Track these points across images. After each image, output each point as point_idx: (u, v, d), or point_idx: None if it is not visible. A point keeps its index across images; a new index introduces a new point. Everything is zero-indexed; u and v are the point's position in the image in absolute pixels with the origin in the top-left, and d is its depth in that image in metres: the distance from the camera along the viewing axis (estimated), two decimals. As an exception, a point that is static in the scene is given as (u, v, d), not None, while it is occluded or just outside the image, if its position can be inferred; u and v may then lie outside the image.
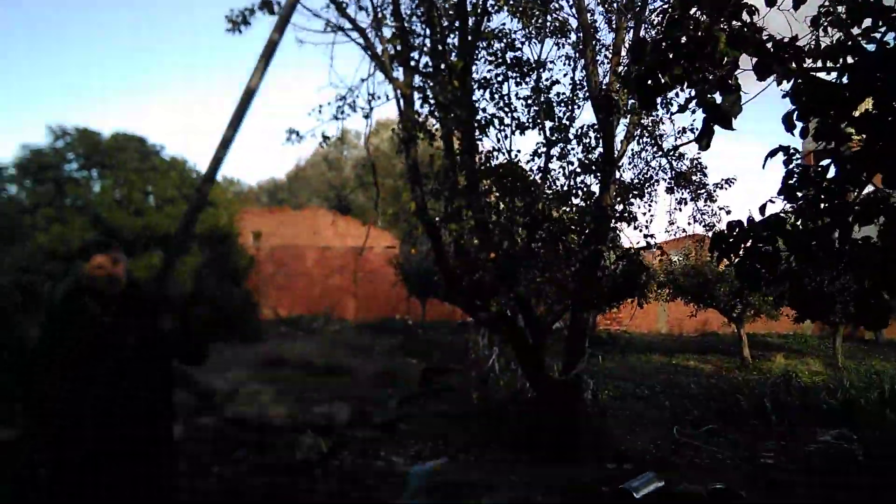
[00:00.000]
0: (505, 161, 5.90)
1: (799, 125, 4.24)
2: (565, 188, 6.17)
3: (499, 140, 5.88)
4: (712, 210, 7.64)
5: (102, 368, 2.85)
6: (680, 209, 7.32)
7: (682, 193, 7.59)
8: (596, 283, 5.98)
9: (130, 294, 3.08)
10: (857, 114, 3.91)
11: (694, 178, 7.38)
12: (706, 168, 7.08)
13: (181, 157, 17.86)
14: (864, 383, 11.47)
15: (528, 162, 6.04)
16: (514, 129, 5.89)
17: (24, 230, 14.53)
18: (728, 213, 7.71)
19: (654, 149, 7.08)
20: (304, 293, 22.59)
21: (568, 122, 6.05)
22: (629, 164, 7.31)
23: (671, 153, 7.12)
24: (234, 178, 43.15)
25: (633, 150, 7.24)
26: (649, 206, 6.81)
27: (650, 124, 6.86)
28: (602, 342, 17.79)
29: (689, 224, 7.88)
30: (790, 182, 4.04)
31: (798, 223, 4.06)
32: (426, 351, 16.12)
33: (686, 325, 22.46)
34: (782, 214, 4.11)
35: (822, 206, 3.84)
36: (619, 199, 6.53)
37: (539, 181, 6.05)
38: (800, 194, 4.02)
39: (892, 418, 9.49)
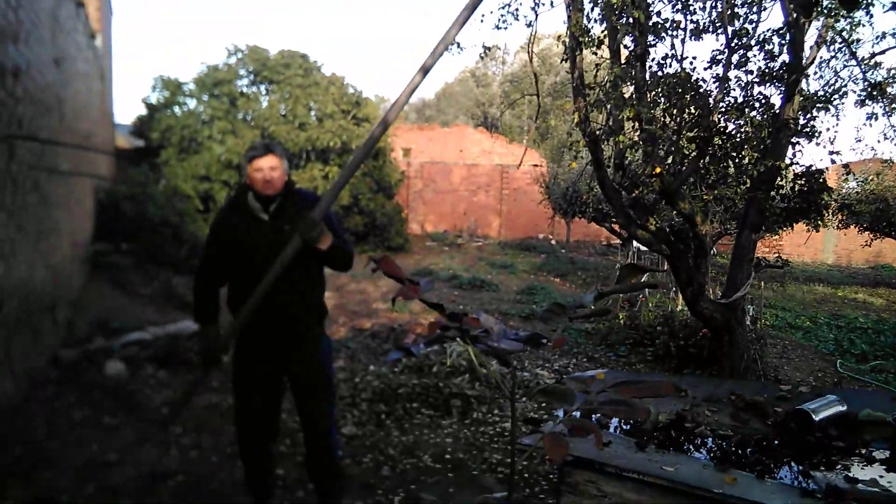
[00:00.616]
0: (679, 70, 5.56)
1: None
2: (741, 100, 5.75)
3: (673, 46, 5.55)
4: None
5: (263, 264, 3.02)
6: (870, 125, 6.59)
7: (874, 107, 6.82)
8: (769, 203, 5.62)
9: (289, 196, 3.23)
10: None
11: (889, 89, 6.59)
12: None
13: (339, 74, 18.47)
14: None
15: (706, 69, 5.64)
16: (690, 33, 5.50)
17: (202, 142, 15.84)
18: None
19: (847, 56, 6.36)
20: (449, 209, 23.09)
21: (751, 27, 5.57)
22: (815, 74, 6.66)
23: (866, 61, 6.37)
24: (384, 95, 44.07)
25: (821, 57, 6.56)
26: (836, 119, 6.17)
27: (847, 27, 6.15)
28: (761, 268, 16.83)
29: (878, 142, 7.12)
30: None
31: None
32: (569, 271, 16.10)
33: (855, 257, 20.69)
34: None
35: None
36: (802, 111, 6.00)
37: (714, 92, 5.67)
38: None
39: None
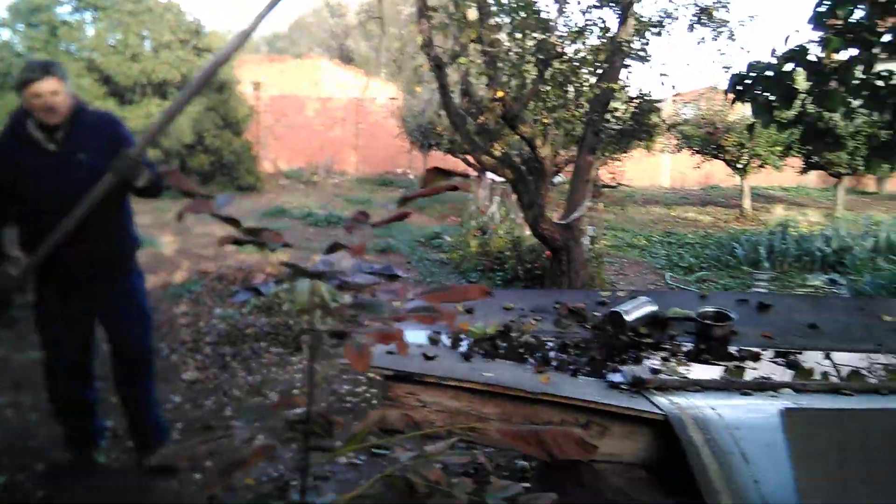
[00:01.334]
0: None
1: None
2: (581, 24, 5.88)
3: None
4: (732, 51, 7.30)
5: (56, 199, 2.76)
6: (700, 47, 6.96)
7: (703, 32, 7.21)
8: (604, 124, 5.87)
9: (77, 121, 2.92)
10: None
11: (716, 13, 6.96)
12: (729, 2, 6.68)
13: (175, 0, 16.93)
14: (860, 233, 11.63)
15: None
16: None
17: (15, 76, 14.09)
18: (748, 53, 7.41)
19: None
20: (303, 145, 22.32)
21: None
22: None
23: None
24: (231, 27, 41.21)
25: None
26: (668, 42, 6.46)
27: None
28: (596, 190, 17.87)
29: (707, 66, 7.56)
30: (820, 9, 3.84)
31: (821, 54, 3.91)
32: (427, 205, 16.22)
33: (689, 179, 22.39)
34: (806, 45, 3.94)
35: (849, 35, 3.68)
36: (637, 35, 6.23)
37: (553, 16, 5.74)
38: (828, 22, 3.83)
39: (882, 266, 9.73)
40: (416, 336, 2.71)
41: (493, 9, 5.33)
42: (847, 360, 2.44)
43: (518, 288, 7.89)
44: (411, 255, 10.21)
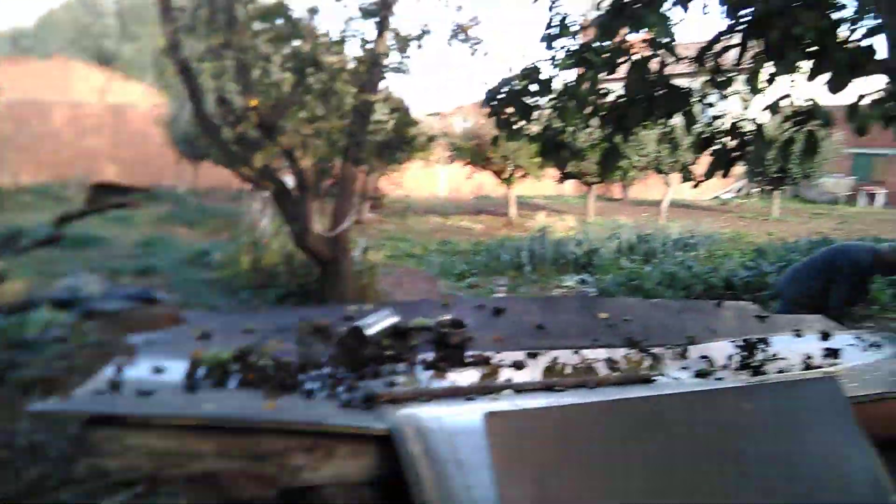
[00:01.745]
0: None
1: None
2: (340, 33, 5.83)
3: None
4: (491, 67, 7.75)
5: None
6: (458, 66, 7.31)
7: (462, 48, 7.54)
8: (365, 136, 5.88)
9: None
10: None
11: (471, 32, 7.32)
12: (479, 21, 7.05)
13: None
14: (606, 236, 13.05)
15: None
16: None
17: None
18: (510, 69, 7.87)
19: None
20: (51, 157, 19.86)
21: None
22: (412, 13, 7.13)
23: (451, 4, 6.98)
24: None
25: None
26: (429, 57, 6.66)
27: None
28: (384, 205, 18.20)
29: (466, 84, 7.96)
30: (550, 31, 4.15)
31: (555, 73, 4.22)
32: (198, 219, 15.25)
33: (464, 189, 23.59)
34: (538, 64, 4.23)
35: (579, 56, 4.03)
36: (398, 49, 6.34)
37: (310, 25, 5.62)
38: (557, 43, 4.16)
39: (624, 265, 10.98)
40: (139, 370, 2.44)
41: (242, 13, 5.09)
42: (566, 356, 2.63)
43: (293, 304, 7.65)
44: (175, 276, 9.46)
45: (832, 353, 2.66)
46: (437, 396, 2.26)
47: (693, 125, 3.78)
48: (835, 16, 3.14)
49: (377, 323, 2.77)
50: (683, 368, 2.45)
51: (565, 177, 18.44)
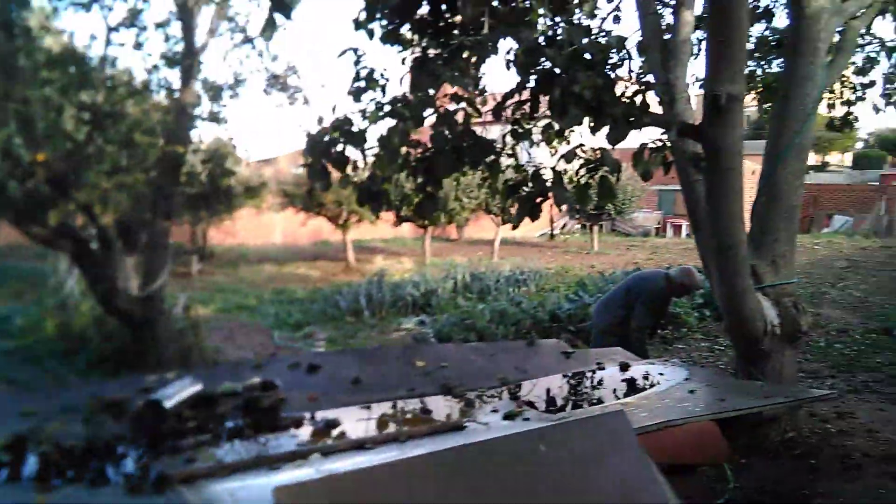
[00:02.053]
0: (64, 46, 4.99)
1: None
2: (142, 82, 5.54)
3: (48, 17, 4.92)
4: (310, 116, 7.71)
5: None
6: (278, 113, 7.21)
7: (279, 97, 7.48)
8: (175, 188, 5.59)
9: None
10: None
11: (289, 80, 7.30)
12: (297, 70, 7.06)
13: None
14: (442, 276, 13.36)
15: (88, 48, 5.20)
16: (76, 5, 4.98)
17: None
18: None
19: (246, 44, 6.78)
20: None
21: (146, 5, 5.37)
22: (223, 60, 6.95)
23: (262, 53, 6.92)
24: None
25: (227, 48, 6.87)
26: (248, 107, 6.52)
27: (241, 15, 6.53)
28: (212, 255, 17.37)
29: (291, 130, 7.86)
30: (357, 83, 4.20)
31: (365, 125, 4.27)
32: (-3, 280, 13.62)
33: (300, 235, 23.14)
34: (350, 116, 4.27)
35: (386, 108, 4.10)
36: (212, 98, 6.15)
37: (107, 72, 5.29)
38: (365, 96, 4.22)
39: (461, 304, 11.26)
40: None
41: (28, 62, 4.68)
42: (381, 410, 2.60)
43: (109, 370, 7.01)
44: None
45: (630, 385, 2.86)
46: (240, 468, 2.12)
47: (497, 174, 3.97)
48: (613, 74, 3.47)
49: (177, 393, 2.58)
50: (494, 411, 2.51)
51: (401, 220, 18.71)
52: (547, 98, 3.43)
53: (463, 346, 4.14)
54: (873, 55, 8.11)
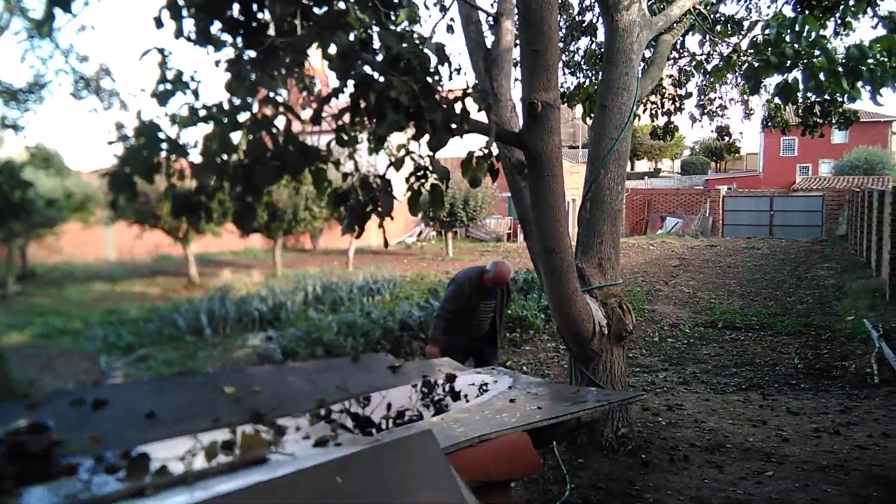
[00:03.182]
0: None
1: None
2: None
3: None
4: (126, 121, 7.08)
5: None
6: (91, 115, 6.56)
7: (93, 101, 6.83)
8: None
9: None
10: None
11: (102, 83, 6.67)
12: (110, 72, 6.46)
13: None
14: (293, 288, 12.89)
15: None
16: None
17: None
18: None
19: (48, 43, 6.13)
20: None
21: None
22: (24, 62, 6.22)
23: (68, 53, 6.27)
24: None
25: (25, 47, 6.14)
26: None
27: (31, 12, 5.86)
28: (33, 275, 15.70)
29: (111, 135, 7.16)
30: (163, 85, 3.84)
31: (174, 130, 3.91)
32: None
33: (137, 250, 21.53)
34: (157, 120, 3.89)
35: (200, 112, 3.77)
36: (2, 101, 5.45)
37: None
38: (174, 100, 3.86)
39: (312, 316, 10.89)
40: None
41: None
42: (174, 447, 2.32)
43: None
44: None
45: (453, 397, 2.78)
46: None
47: (321, 182, 3.78)
48: (431, 80, 3.39)
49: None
50: (305, 438, 2.31)
51: (247, 231, 17.86)
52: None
53: (281, 367, 3.89)
54: (688, 69, 8.79)
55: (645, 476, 4.24)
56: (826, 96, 8.24)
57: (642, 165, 51.18)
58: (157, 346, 9.79)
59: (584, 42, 9.13)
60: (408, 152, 4.06)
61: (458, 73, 3.34)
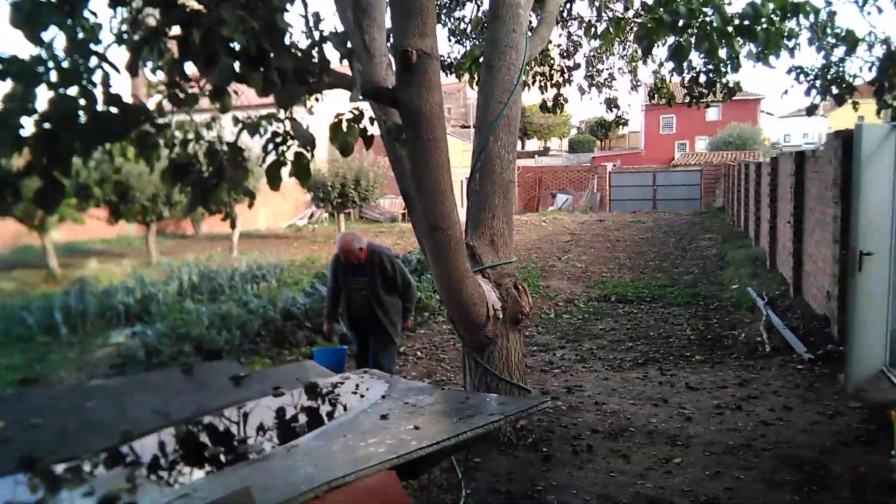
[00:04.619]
0: None
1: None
2: None
3: None
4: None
5: None
6: None
7: None
8: None
9: None
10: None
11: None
12: None
13: None
14: (165, 278, 11.77)
15: None
16: None
17: None
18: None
19: None
20: None
21: None
22: None
23: None
24: None
25: None
26: None
27: None
28: None
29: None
30: None
31: None
32: None
33: (-6, 241, 19.31)
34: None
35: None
36: None
37: None
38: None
39: (189, 307, 9.90)
40: None
41: None
42: None
43: None
44: None
45: (310, 416, 2.20)
46: None
47: (149, 150, 3.07)
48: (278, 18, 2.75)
49: None
50: (88, 495, 1.67)
51: (117, 217, 16.38)
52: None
53: (82, 388, 3.15)
54: (576, 38, 8.52)
55: (548, 473, 3.85)
56: (710, 65, 8.23)
57: (532, 144, 51.96)
58: (4, 349, 8.56)
59: (469, 8, 8.68)
60: (270, 116, 3.43)
61: (319, 22, 2.73)
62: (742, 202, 17.29)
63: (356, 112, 3.34)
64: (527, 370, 6.58)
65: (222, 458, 1.84)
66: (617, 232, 20.02)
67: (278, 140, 3.38)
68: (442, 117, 3.26)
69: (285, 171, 3.33)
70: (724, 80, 8.14)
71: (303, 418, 2.13)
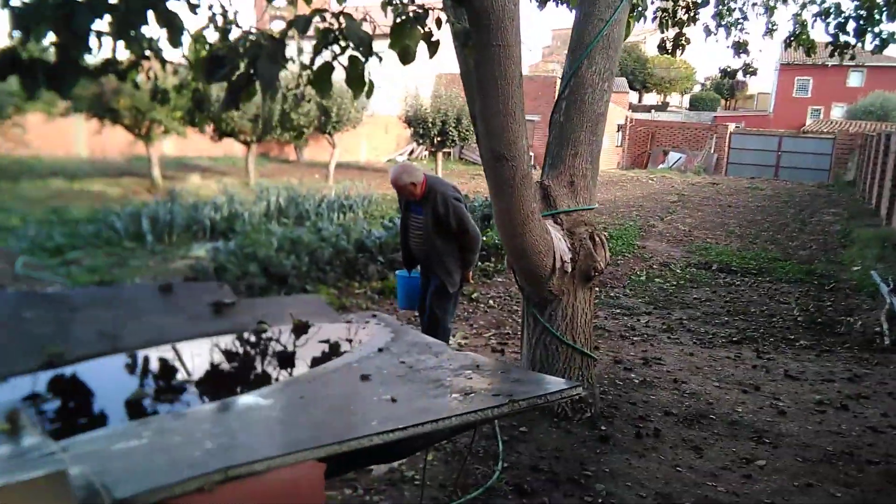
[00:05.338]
0: None
1: None
2: None
3: None
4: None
5: None
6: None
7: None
8: None
9: None
10: None
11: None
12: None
13: None
14: (255, 198, 11.83)
15: None
16: None
17: None
18: None
19: None
20: None
21: None
22: None
23: None
24: None
25: None
26: None
27: None
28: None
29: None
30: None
31: None
32: None
33: (111, 147, 20.26)
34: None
35: None
36: None
37: None
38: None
39: (274, 228, 9.87)
40: None
41: None
42: None
43: None
44: None
45: (283, 362, 1.76)
46: None
47: (178, 34, 2.67)
48: None
49: None
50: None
51: (222, 135, 16.65)
52: None
53: (28, 295, 2.84)
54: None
55: (602, 456, 3.32)
56: (863, 9, 7.01)
57: (650, 98, 49.19)
58: (90, 251, 8.81)
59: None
60: (320, 11, 2.95)
61: None
62: (877, 177, 15.47)
63: (419, 10, 2.80)
64: (603, 333, 6.01)
65: (125, 409, 1.44)
66: (730, 197, 18.54)
67: (329, 40, 2.90)
68: (517, 19, 2.67)
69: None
70: (876, 30, 6.96)
71: (266, 367, 1.71)
